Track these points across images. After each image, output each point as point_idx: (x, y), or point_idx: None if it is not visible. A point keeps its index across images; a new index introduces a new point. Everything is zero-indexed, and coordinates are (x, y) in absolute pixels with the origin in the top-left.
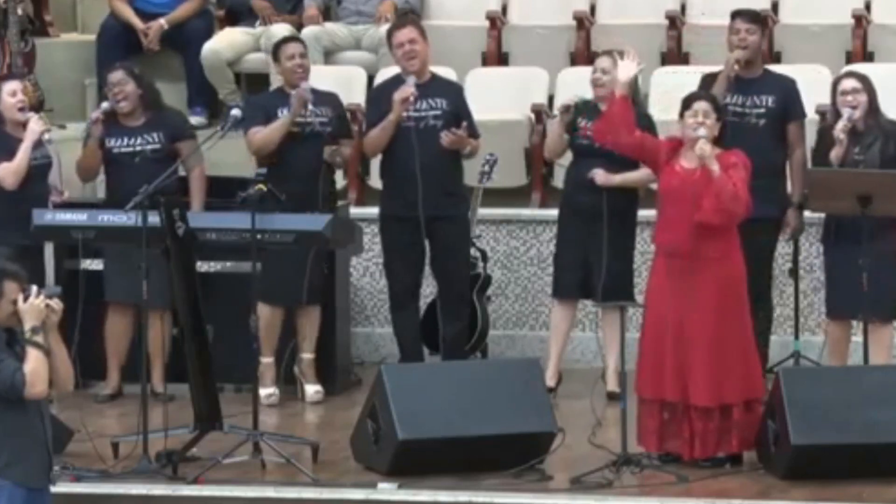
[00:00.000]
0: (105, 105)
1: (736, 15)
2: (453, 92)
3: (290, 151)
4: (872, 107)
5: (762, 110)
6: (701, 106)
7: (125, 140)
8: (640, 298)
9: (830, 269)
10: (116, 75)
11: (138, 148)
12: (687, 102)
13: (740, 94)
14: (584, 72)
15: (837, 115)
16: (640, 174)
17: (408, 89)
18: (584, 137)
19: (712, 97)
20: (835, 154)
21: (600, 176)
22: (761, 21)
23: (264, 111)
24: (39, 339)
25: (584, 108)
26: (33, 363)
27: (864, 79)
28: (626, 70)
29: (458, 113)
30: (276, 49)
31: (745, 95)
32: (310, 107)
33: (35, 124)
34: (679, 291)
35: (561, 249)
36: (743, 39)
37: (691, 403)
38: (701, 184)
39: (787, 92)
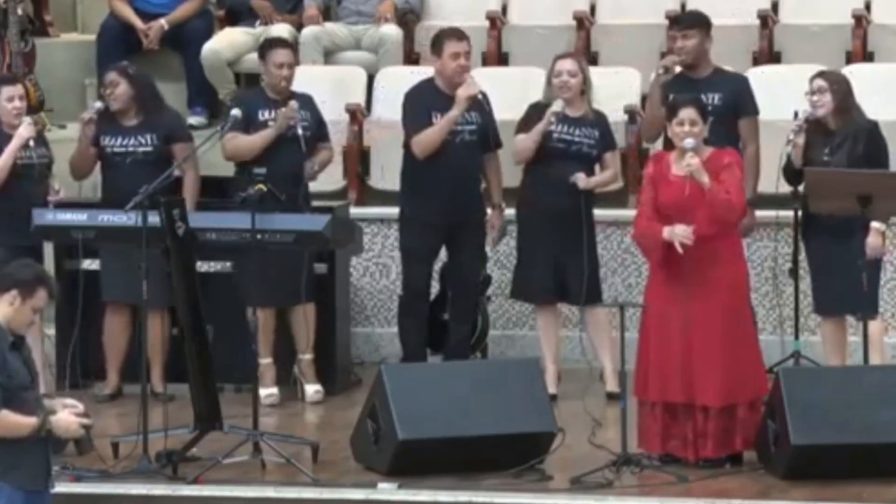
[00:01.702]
0: (97, 104)
1: (672, 23)
2: (483, 103)
3: (272, 155)
4: (842, 107)
5: (709, 108)
6: (687, 114)
7: (119, 140)
8: (635, 299)
9: (810, 265)
10: (109, 76)
11: (130, 149)
12: (673, 109)
13: (687, 92)
14: None
15: None
16: (610, 175)
17: (475, 87)
18: (558, 140)
19: (697, 101)
20: (793, 154)
21: (582, 180)
22: (703, 22)
23: (246, 112)
24: (41, 432)
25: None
26: (12, 423)
27: (833, 79)
28: None
29: (488, 124)
30: (264, 50)
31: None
32: (297, 127)
33: (24, 130)
34: (685, 294)
35: (534, 253)
36: (680, 49)
37: (699, 404)
38: (695, 197)
39: (738, 90)
